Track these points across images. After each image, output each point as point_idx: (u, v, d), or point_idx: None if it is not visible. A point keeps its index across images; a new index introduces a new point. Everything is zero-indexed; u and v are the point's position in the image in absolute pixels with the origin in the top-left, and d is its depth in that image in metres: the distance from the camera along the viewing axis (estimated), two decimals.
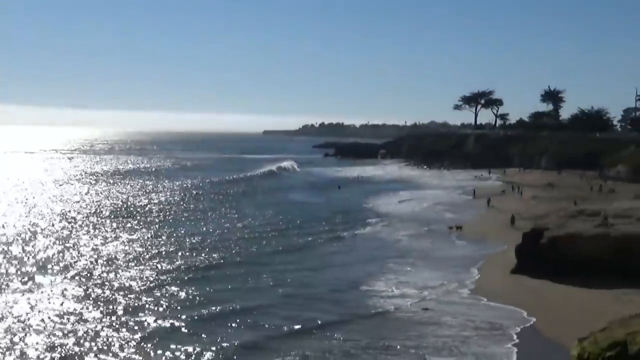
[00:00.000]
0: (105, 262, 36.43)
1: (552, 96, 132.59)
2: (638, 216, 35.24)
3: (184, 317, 26.52)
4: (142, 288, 31.16)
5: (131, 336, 24.06)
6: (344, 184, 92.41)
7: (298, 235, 47.02)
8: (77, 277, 32.94)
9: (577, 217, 37.29)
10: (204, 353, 22.46)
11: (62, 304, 27.95)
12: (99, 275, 33.62)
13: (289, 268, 36.32)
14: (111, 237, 44.51)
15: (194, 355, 22.36)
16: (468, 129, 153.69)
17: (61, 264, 35.71)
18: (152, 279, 33.14)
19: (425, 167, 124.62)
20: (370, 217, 57.60)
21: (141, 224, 51.00)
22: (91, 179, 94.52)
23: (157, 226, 49.89)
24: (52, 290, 30.15)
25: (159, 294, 30.17)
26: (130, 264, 36.33)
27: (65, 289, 30.43)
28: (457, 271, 35.85)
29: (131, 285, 31.54)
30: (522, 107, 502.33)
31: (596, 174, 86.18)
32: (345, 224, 53.15)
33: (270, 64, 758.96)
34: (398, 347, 23.44)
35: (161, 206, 62.74)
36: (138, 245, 41.93)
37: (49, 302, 28.12)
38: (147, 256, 38.30)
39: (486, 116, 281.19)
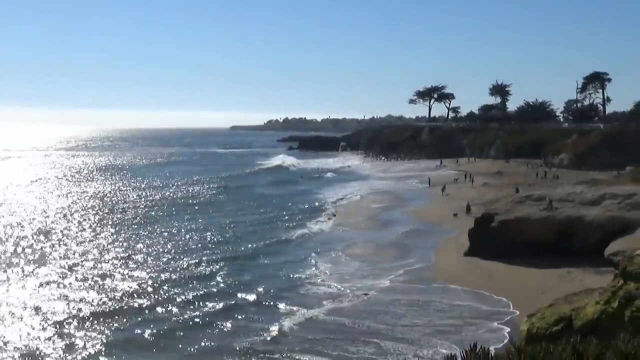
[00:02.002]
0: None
1: (500, 90, 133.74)
2: (580, 200, 35.90)
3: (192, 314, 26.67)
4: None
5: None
6: (306, 176, 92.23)
7: (260, 233, 45.69)
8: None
9: (524, 202, 37.84)
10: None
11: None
12: (89, 273, 33.42)
13: (263, 263, 36.16)
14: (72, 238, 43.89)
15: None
16: (422, 121, 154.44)
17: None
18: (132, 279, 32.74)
19: (383, 158, 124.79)
20: (326, 209, 56.66)
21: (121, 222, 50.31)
22: (72, 176, 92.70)
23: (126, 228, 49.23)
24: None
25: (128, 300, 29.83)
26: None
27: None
28: (417, 256, 35.95)
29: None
30: (472, 100, 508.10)
31: (541, 162, 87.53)
32: (302, 219, 51.42)
33: (237, 64, 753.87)
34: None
35: (134, 205, 61.76)
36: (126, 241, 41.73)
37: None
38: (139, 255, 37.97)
39: (439, 109, 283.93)
